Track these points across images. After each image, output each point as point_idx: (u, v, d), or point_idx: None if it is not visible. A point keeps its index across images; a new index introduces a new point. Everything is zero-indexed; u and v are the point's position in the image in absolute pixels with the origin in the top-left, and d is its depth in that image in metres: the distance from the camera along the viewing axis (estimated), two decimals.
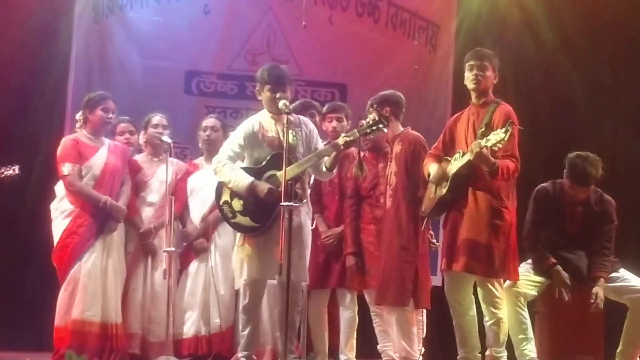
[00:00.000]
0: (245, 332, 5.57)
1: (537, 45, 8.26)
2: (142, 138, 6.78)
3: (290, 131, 5.42)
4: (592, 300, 5.63)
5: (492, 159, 5.05)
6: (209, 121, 6.78)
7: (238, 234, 5.65)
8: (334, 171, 5.67)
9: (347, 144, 5.43)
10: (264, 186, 5.41)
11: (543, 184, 6.01)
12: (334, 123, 6.36)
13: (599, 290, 5.66)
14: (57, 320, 6.16)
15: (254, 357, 5.72)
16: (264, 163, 5.52)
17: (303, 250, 5.51)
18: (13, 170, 6.16)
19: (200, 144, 6.81)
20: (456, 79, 8.04)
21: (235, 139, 5.64)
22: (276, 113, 5.53)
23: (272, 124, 5.58)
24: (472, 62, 5.43)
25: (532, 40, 8.28)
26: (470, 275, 5.34)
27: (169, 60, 8.21)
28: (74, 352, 5.90)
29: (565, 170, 5.85)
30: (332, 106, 6.54)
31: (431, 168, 5.47)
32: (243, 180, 5.44)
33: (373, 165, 6.20)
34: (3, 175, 6.14)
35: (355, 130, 5.49)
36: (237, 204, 5.54)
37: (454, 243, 5.31)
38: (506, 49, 7.76)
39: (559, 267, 5.72)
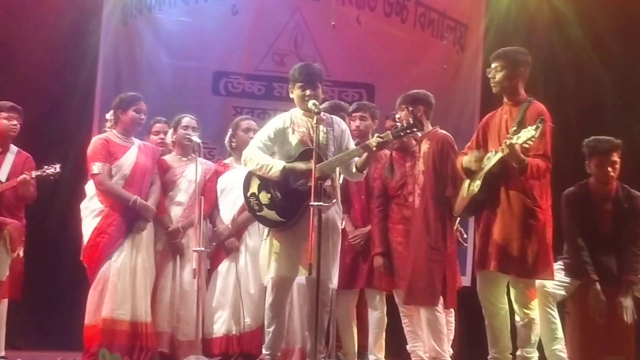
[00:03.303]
0: (271, 330, 5.54)
1: (567, 44, 8.23)
2: (169, 137, 6.77)
3: (321, 130, 5.41)
4: (619, 311, 5.62)
5: (522, 156, 5.03)
6: (249, 123, 6.71)
7: (263, 227, 5.63)
8: (365, 172, 5.61)
9: (380, 146, 5.36)
10: (300, 166, 5.37)
11: (569, 189, 6.01)
12: (357, 122, 6.35)
13: (623, 300, 5.63)
14: (87, 319, 6.18)
15: (279, 354, 5.70)
16: (294, 158, 5.48)
17: (332, 251, 5.44)
18: (54, 168, 6.26)
19: (234, 144, 6.69)
20: (485, 79, 7.90)
21: (265, 132, 5.61)
22: (307, 111, 5.50)
23: (304, 121, 5.54)
24: (488, 69, 5.47)
25: (562, 39, 8.26)
26: (503, 275, 5.31)
27: (197, 61, 8.27)
28: (107, 351, 5.93)
29: (586, 156, 5.89)
30: (357, 105, 6.53)
31: (465, 158, 5.42)
32: (276, 164, 5.40)
33: (401, 165, 6.19)
34: (45, 173, 6.24)
35: (389, 132, 5.40)
36: (264, 197, 5.50)
37: (487, 242, 5.27)
38: (535, 49, 7.69)
39: (597, 288, 5.67)
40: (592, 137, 5.91)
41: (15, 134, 6.53)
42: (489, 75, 5.45)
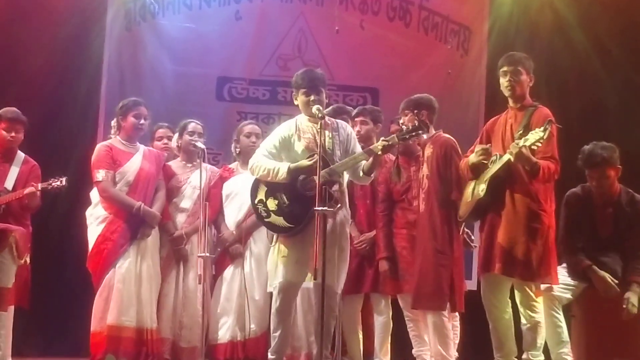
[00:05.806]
0: (277, 335, 5.54)
1: (569, 48, 8.22)
2: (175, 142, 6.78)
3: (327, 135, 5.42)
4: (624, 306, 5.58)
5: (534, 158, 5.04)
6: (251, 127, 6.74)
7: (271, 233, 5.63)
8: (373, 175, 5.62)
9: (385, 149, 5.38)
10: (305, 162, 5.38)
11: (572, 189, 5.99)
12: (358, 126, 6.35)
13: (630, 295, 5.60)
14: (93, 326, 6.20)
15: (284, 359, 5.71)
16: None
17: (340, 257, 5.44)
18: (60, 182, 6.24)
19: (238, 150, 6.71)
20: (488, 82, 8.04)
21: (270, 140, 5.64)
22: (312, 117, 5.50)
23: (309, 127, 5.56)
24: (505, 68, 5.41)
25: (564, 43, 8.25)
26: (507, 278, 5.31)
27: (201, 67, 8.27)
28: (113, 357, 5.94)
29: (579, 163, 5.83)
30: (357, 110, 6.55)
31: (471, 156, 5.41)
32: (282, 166, 5.43)
33: (405, 169, 6.19)
34: (51, 186, 6.23)
35: (394, 135, 5.42)
36: (272, 204, 5.52)
37: (491, 246, 5.28)
38: (538, 52, 7.69)
39: (594, 267, 5.67)
40: (589, 146, 5.83)
41: (16, 145, 6.42)
42: (509, 78, 5.38)
